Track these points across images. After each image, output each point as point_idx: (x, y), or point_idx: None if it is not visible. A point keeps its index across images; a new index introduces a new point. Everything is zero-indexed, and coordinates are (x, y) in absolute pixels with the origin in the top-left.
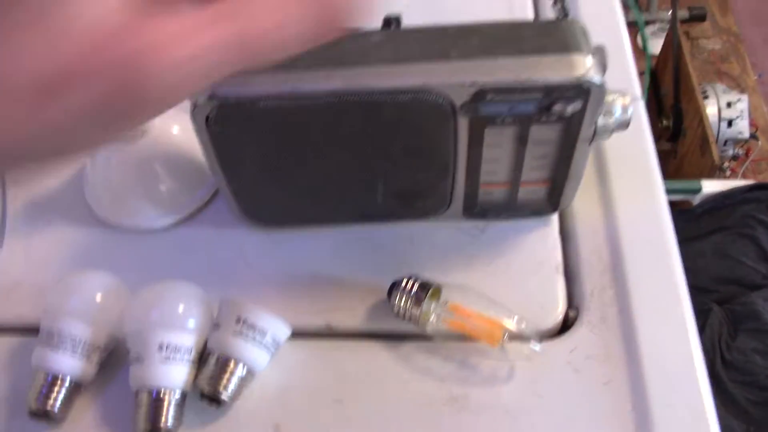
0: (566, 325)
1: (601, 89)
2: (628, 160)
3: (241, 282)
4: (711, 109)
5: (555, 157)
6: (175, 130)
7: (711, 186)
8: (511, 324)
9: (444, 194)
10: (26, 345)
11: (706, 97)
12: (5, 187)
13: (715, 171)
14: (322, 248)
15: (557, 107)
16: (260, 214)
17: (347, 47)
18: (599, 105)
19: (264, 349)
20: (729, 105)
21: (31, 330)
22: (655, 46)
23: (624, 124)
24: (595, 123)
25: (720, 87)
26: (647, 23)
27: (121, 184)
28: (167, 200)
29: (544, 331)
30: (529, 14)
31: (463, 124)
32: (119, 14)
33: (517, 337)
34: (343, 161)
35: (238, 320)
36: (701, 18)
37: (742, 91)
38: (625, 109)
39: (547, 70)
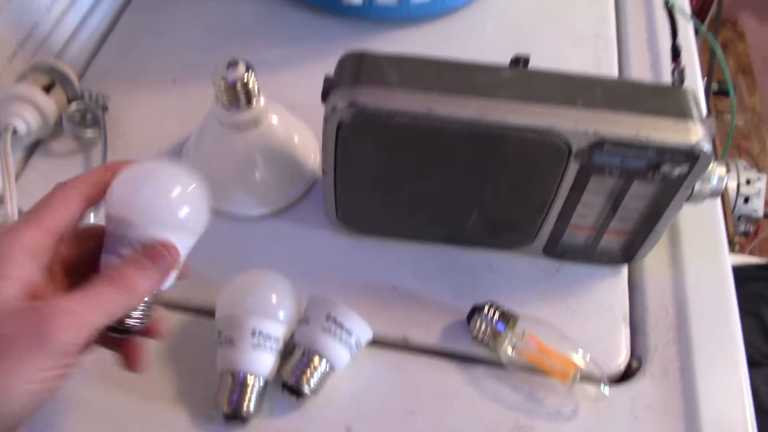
0: (627, 373)
1: (709, 157)
2: (700, 226)
3: (324, 281)
4: (731, 183)
5: (646, 212)
6: (282, 128)
7: None
8: (582, 363)
9: (532, 230)
10: None
11: (727, 171)
12: (107, 153)
13: (728, 244)
14: (404, 262)
15: (666, 168)
16: (354, 220)
17: (481, 78)
18: (703, 171)
19: (347, 349)
20: (748, 182)
21: None
22: None
23: (717, 193)
24: (693, 187)
25: (742, 163)
26: None
27: (221, 169)
28: (263, 192)
29: (607, 376)
30: (614, 70)
31: (572, 168)
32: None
33: (586, 377)
34: (450, 184)
35: (328, 317)
36: (729, 93)
37: (760, 170)
38: (721, 179)
39: (665, 132)
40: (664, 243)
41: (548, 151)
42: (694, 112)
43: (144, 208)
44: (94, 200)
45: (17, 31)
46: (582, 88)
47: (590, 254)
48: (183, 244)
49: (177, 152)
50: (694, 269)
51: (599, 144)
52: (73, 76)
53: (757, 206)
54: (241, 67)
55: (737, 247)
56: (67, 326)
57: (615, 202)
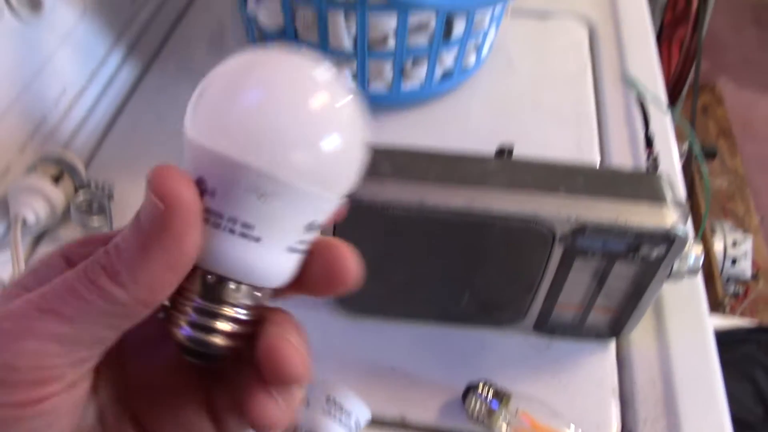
0: None
1: (684, 240)
2: (682, 299)
3: (323, 362)
4: (718, 245)
5: (629, 291)
6: None
7: (714, 321)
8: None
9: (522, 308)
10: None
11: (713, 232)
12: None
13: (718, 306)
14: (401, 341)
15: (644, 250)
16: (353, 303)
17: (468, 169)
18: (679, 253)
19: (347, 431)
20: (735, 244)
21: None
22: None
23: (695, 271)
24: (671, 267)
25: (727, 225)
26: None
27: None
28: None
29: None
30: (595, 150)
31: (557, 252)
32: None
33: None
34: (442, 268)
35: (327, 399)
36: (712, 155)
37: (746, 231)
38: (697, 258)
39: (641, 217)
40: (649, 317)
41: (534, 236)
42: (669, 197)
43: (254, 132)
44: None
45: (27, 124)
46: (564, 176)
47: (579, 330)
48: (318, 208)
49: None
50: (678, 341)
51: (581, 229)
52: (80, 166)
53: (744, 267)
54: None
55: (728, 309)
56: (5, 342)
57: (599, 282)
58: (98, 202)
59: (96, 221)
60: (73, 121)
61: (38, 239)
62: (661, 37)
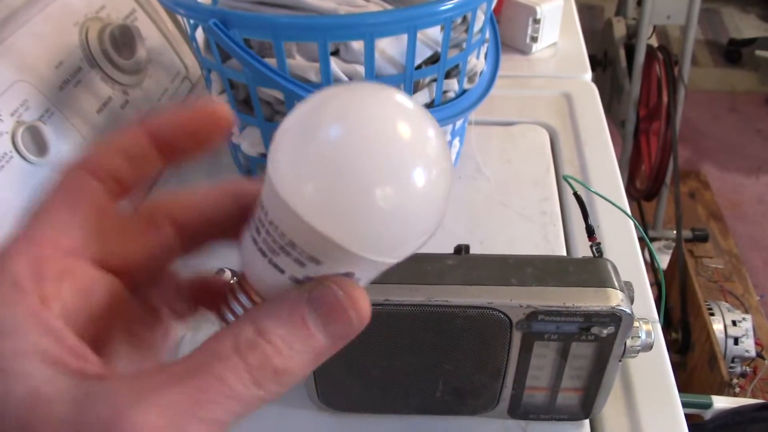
0: None
1: (630, 317)
2: (649, 375)
3: None
4: (717, 326)
5: (590, 369)
6: None
7: (721, 402)
8: None
9: (494, 394)
10: None
11: (712, 314)
12: None
13: (725, 387)
14: None
15: (595, 329)
16: (334, 400)
17: (428, 267)
18: (628, 329)
19: None
20: (735, 323)
21: None
22: (662, 262)
23: (648, 346)
24: (625, 344)
25: (725, 305)
26: (652, 240)
27: None
28: None
29: None
30: (561, 241)
31: (516, 337)
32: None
33: None
34: (414, 360)
35: None
36: (704, 239)
37: (746, 310)
38: (649, 333)
39: (588, 300)
40: (619, 394)
41: (491, 324)
42: (614, 280)
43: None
44: (127, 184)
45: None
46: (515, 268)
47: (552, 412)
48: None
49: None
50: (649, 418)
51: (534, 315)
52: None
53: (747, 346)
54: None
55: (737, 390)
56: None
57: (560, 363)
58: None
59: None
60: None
61: None
62: (638, 131)
